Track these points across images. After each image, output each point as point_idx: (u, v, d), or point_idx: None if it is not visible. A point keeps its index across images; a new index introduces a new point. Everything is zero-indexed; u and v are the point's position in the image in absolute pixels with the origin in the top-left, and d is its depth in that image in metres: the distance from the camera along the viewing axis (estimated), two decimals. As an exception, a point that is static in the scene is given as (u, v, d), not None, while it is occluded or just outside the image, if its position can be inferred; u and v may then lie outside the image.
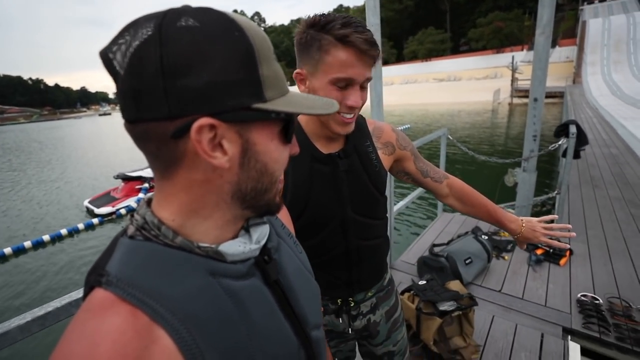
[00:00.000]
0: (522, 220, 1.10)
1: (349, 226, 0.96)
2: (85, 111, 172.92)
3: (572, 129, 3.51)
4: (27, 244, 7.11)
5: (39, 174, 15.39)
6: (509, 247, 3.35)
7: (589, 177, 5.54)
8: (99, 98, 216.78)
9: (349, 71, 0.75)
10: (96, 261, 0.41)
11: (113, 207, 8.49)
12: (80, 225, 7.89)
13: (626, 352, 2.12)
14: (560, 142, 3.72)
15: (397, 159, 1.08)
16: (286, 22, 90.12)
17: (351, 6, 75.07)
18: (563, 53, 35.54)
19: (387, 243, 1.11)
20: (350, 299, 1.08)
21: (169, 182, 0.39)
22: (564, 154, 3.76)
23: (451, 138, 4.08)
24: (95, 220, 8.14)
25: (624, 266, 2.96)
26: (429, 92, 36.70)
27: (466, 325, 2.06)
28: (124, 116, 0.36)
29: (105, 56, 0.34)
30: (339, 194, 0.92)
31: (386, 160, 1.03)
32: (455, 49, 53.40)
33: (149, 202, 0.43)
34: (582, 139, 3.66)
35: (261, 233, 0.47)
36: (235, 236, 0.44)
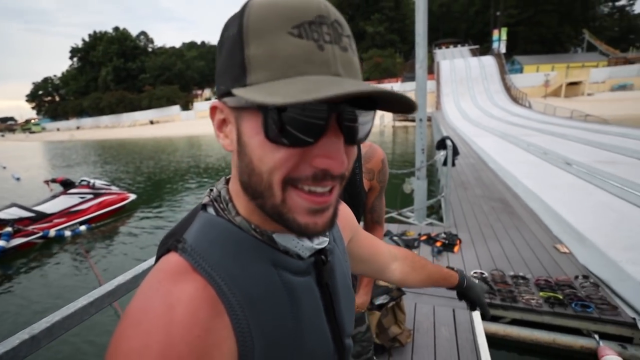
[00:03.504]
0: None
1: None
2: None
3: (449, 142, 4.40)
4: None
5: None
6: (415, 243, 3.91)
7: (460, 181, 6.92)
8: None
9: None
10: (175, 227, 0.43)
11: None
12: None
13: (507, 309, 2.73)
14: (442, 153, 4.61)
15: (368, 188, 1.09)
16: (178, 45, 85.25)
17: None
18: (428, 86, 43.77)
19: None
20: None
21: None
22: (445, 163, 4.66)
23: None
24: None
25: (495, 245, 3.80)
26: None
27: (399, 313, 2.32)
28: None
29: None
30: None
31: (365, 184, 1.05)
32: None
33: (228, 179, 0.45)
34: (456, 150, 4.61)
35: (323, 240, 0.46)
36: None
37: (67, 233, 6.42)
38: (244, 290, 0.37)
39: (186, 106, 62.52)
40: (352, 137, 0.36)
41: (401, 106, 0.35)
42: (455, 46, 52.61)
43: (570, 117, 20.77)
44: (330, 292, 0.47)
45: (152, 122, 60.15)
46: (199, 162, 16.66)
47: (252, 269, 0.39)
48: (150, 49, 74.68)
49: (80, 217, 6.86)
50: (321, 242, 0.45)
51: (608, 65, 41.09)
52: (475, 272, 3.16)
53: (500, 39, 43.36)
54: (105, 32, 71.45)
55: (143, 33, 75.63)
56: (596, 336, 2.48)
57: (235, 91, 0.33)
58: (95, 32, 73.92)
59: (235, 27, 0.34)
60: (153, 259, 0.67)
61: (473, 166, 8.43)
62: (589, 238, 3.76)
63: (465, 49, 49.97)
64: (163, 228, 6.80)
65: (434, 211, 6.00)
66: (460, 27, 58.94)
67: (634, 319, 2.43)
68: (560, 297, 2.70)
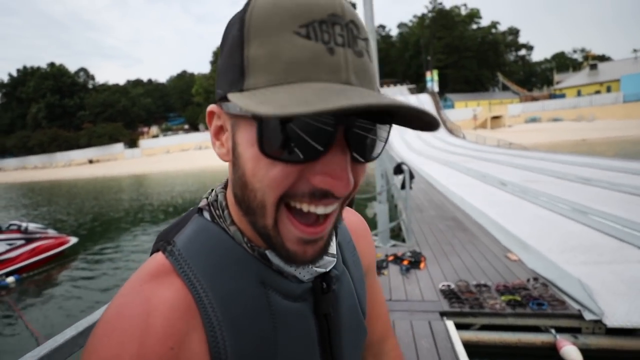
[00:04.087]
0: None
1: None
2: None
3: (405, 167, 4.79)
4: None
5: None
6: (384, 264, 4.06)
7: (415, 204, 7.39)
8: None
9: None
10: (168, 228, 0.40)
11: None
12: None
13: (477, 315, 2.93)
14: (399, 177, 4.96)
15: None
16: (122, 82, 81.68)
17: (195, 72, 76.00)
18: (372, 120, 47.07)
19: None
20: None
21: None
22: (402, 186, 5.02)
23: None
24: None
25: (455, 259, 4.09)
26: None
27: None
28: None
29: None
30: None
31: None
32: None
33: (227, 183, 0.41)
34: (411, 175, 5.00)
35: (326, 262, 0.40)
36: None
37: (-10, 287, 5.49)
38: (224, 305, 0.34)
39: (132, 144, 58.94)
40: (362, 154, 0.32)
41: (421, 122, 0.30)
42: (395, 85, 58.08)
43: (498, 145, 23.63)
44: (329, 324, 0.41)
45: (91, 162, 55.77)
46: (152, 200, 15.57)
47: (237, 284, 0.36)
48: (91, 86, 70.64)
49: (8, 266, 5.94)
50: (323, 265, 0.40)
51: (520, 102, 48.30)
52: (443, 285, 3.36)
53: (432, 79, 48.95)
54: (38, 68, 66.41)
55: (83, 69, 71.67)
56: (553, 330, 2.76)
57: (230, 96, 0.29)
58: (25, 67, 68.21)
59: (237, 25, 0.31)
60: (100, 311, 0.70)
61: (424, 190, 9.10)
62: (532, 245, 4.25)
63: (404, 88, 55.39)
64: (110, 274, 6.13)
65: (395, 234, 6.29)
66: (397, 69, 65.52)
67: (579, 310, 2.76)
68: (519, 298, 2.98)
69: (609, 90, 44.23)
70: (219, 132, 0.35)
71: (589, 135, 28.38)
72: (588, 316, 2.68)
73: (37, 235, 6.63)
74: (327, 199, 0.31)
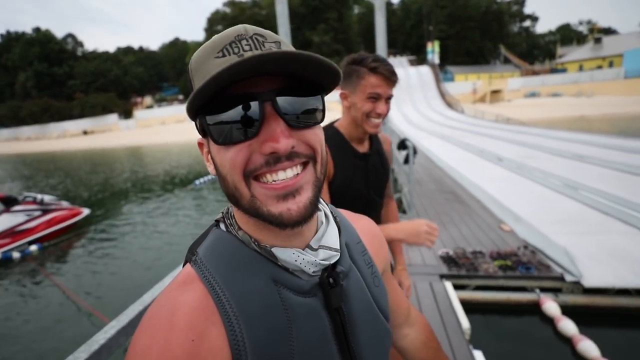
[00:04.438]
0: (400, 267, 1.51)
1: (369, 204, 1.35)
2: None
3: (409, 143, 5.02)
4: None
5: None
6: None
7: (414, 178, 7.70)
8: None
9: (378, 89, 1.13)
10: (195, 241, 0.47)
11: None
12: None
13: (472, 278, 3.31)
14: (403, 153, 5.21)
15: None
16: (112, 49, 78.20)
17: (189, 40, 72.99)
18: (371, 93, 46.22)
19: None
20: None
21: None
22: (406, 161, 5.28)
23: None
24: None
25: (453, 229, 4.45)
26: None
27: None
28: None
29: None
30: (367, 181, 1.29)
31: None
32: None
33: None
34: (414, 150, 5.24)
35: (329, 255, 0.45)
36: (298, 247, 0.43)
37: (16, 255, 5.82)
38: (241, 303, 0.39)
39: (126, 114, 57.47)
40: (296, 120, 0.38)
41: (325, 75, 0.38)
42: (394, 56, 56.55)
43: (496, 120, 23.68)
44: (343, 318, 0.44)
45: (85, 133, 54.40)
46: (160, 172, 15.74)
47: (251, 284, 0.40)
48: (80, 53, 67.44)
49: (28, 236, 6.24)
50: (328, 258, 0.44)
51: (521, 76, 47.59)
52: (442, 251, 3.73)
53: (434, 51, 47.66)
54: (23, 33, 63.01)
55: (70, 35, 68.12)
56: (537, 290, 3.16)
57: (192, 119, 0.40)
58: (9, 32, 64.89)
59: (188, 75, 0.41)
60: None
61: (423, 165, 9.37)
62: (524, 217, 4.60)
63: (404, 59, 54.00)
64: (124, 243, 6.46)
65: (397, 206, 6.64)
66: (398, 39, 63.48)
67: (561, 273, 3.14)
68: (510, 263, 3.35)
69: (611, 65, 43.63)
70: (207, 155, 0.44)
71: (588, 112, 28.45)
72: (568, 278, 3.07)
73: (53, 207, 6.88)
74: (281, 162, 0.37)
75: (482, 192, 6.06)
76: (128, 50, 76.53)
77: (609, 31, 59.75)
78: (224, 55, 0.37)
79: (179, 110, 56.03)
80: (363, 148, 1.30)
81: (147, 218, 8.14)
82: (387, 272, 0.63)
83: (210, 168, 0.44)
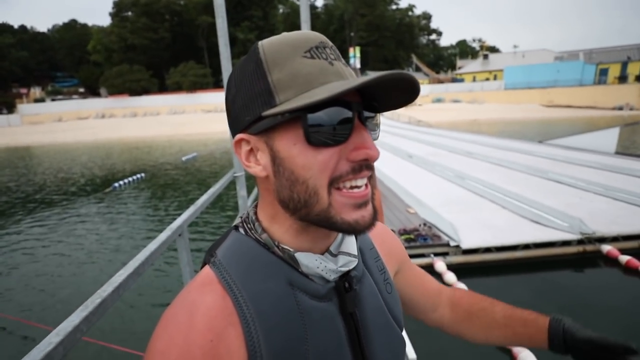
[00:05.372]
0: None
1: None
2: None
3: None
4: None
5: None
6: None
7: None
8: None
9: None
10: (213, 243, 0.48)
11: None
12: None
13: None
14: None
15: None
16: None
17: (90, 24, 63.45)
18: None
19: None
20: None
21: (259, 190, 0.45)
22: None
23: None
24: None
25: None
26: (201, 123, 38.06)
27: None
28: None
29: None
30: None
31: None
32: (217, 84, 58.21)
33: (257, 204, 0.48)
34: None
35: (348, 261, 0.45)
36: (320, 252, 0.44)
37: None
38: (258, 304, 0.40)
39: (7, 108, 47.74)
40: (372, 134, 0.41)
41: (406, 93, 0.39)
42: (320, 59, 58.77)
43: (409, 122, 26.72)
44: (357, 323, 0.45)
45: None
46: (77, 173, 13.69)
47: (268, 286, 0.41)
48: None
49: None
50: (346, 264, 0.45)
51: (429, 84, 54.21)
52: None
53: (355, 55, 51.07)
54: None
55: None
56: (432, 255, 4.07)
57: (267, 112, 0.37)
58: None
59: (252, 64, 0.40)
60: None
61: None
62: (425, 202, 5.66)
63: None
64: (18, 263, 5.77)
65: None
66: (323, 42, 65.92)
67: (447, 241, 4.11)
68: (412, 237, 4.22)
69: (495, 78, 52.67)
70: (249, 155, 0.42)
71: (479, 116, 33.99)
72: (452, 243, 4.05)
73: None
74: (364, 171, 0.39)
75: (394, 183, 7.12)
76: (4, 28, 62.48)
77: (494, 49, 71.75)
78: (312, 57, 0.38)
79: (81, 105, 48.81)
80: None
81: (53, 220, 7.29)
82: (405, 264, 0.63)
83: (257, 169, 0.41)
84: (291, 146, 0.38)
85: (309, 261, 0.42)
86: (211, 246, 0.47)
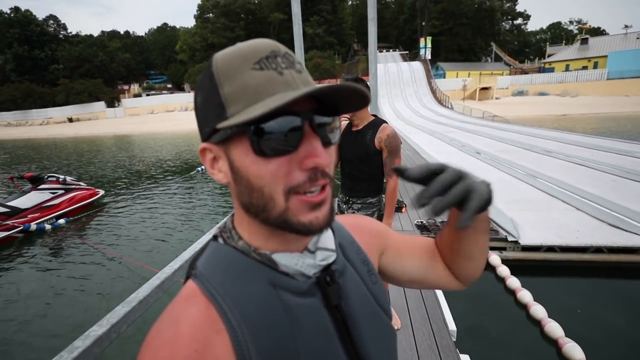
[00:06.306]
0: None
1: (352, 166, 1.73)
2: None
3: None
4: None
5: None
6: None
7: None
8: None
9: None
10: (194, 256, 0.49)
11: None
12: None
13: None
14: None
15: (379, 148, 1.87)
16: (96, 33, 75.45)
17: (178, 26, 71.39)
18: (364, 87, 46.78)
19: None
20: None
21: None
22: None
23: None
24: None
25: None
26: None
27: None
28: None
29: None
30: (351, 149, 1.37)
31: (378, 145, 1.81)
32: (286, 78, 60.46)
33: (233, 213, 0.49)
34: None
35: (327, 256, 0.47)
36: (297, 251, 0.45)
37: (47, 226, 6.54)
38: (242, 309, 0.40)
39: (113, 102, 56.12)
40: (326, 140, 0.41)
41: (356, 101, 0.40)
42: (387, 50, 57.19)
43: (482, 117, 24.84)
44: (343, 314, 0.46)
45: (70, 120, 52.83)
46: (166, 158, 16.33)
47: (250, 289, 0.42)
48: (62, 36, 64.58)
49: (54, 212, 6.93)
50: (325, 258, 0.46)
51: (510, 74, 48.97)
52: (417, 221, 4.65)
53: (426, 46, 48.39)
54: (0, 13, 59.08)
55: (52, 17, 64.61)
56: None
57: (219, 125, 0.39)
58: (-17, 11, 61.64)
59: (207, 77, 0.40)
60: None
61: (409, 156, 10.32)
62: (487, 198, 5.57)
63: (396, 54, 54.70)
64: (138, 222, 7.18)
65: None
66: (391, 32, 63.98)
67: (505, 236, 4.10)
68: (468, 229, 4.30)
69: (595, 66, 45.31)
70: (213, 163, 0.43)
71: (571, 111, 29.90)
72: (510, 238, 4.04)
73: (73, 186, 7.55)
74: (319, 180, 0.40)
75: (457, 179, 7.03)
76: (113, 34, 74.02)
77: (598, 31, 61.39)
78: (261, 69, 0.38)
79: (169, 99, 55.36)
80: (355, 128, 2.02)
81: (153, 201, 8.88)
82: (389, 239, 0.61)
83: (220, 176, 0.43)
84: (244, 157, 0.39)
85: (286, 260, 0.44)
86: (192, 260, 0.47)
